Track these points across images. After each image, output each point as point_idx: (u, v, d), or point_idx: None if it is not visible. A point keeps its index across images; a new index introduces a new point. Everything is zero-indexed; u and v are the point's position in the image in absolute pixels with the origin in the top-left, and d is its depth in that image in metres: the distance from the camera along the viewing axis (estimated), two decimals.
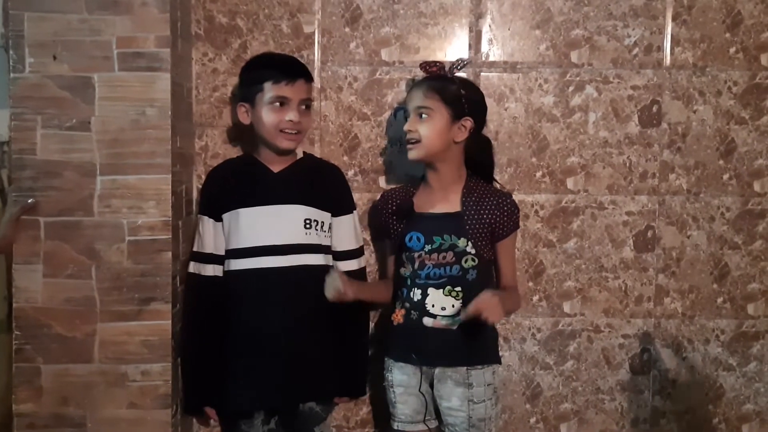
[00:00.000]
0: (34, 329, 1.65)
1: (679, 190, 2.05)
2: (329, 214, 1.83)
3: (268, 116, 1.74)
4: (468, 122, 1.71)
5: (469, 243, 1.71)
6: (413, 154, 1.72)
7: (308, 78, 1.80)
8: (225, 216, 1.80)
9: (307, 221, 1.78)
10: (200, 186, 1.92)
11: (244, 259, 1.77)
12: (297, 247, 1.77)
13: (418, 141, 1.70)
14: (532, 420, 2.07)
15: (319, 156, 1.97)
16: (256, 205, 1.78)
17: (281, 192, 1.79)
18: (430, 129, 1.69)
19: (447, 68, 1.76)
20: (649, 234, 2.05)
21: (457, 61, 1.77)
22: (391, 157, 2.00)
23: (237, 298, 1.78)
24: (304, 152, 1.88)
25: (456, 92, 1.70)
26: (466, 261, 1.72)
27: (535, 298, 2.04)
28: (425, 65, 1.76)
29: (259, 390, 1.75)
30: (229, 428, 1.89)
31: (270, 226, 1.77)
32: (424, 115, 1.70)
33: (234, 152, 1.97)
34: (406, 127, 1.72)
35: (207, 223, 1.81)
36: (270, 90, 1.73)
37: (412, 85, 1.81)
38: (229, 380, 1.77)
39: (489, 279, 1.78)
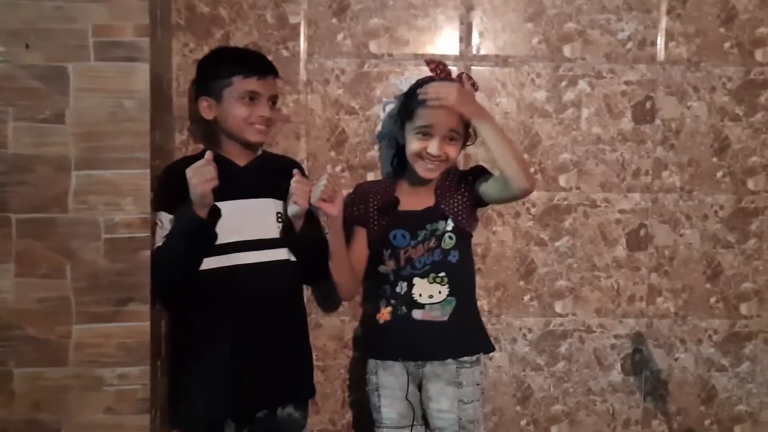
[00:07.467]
0: (6, 331, 1.60)
1: (672, 187, 2.02)
2: None
3: (238, 110, 1.71)
4: (468, 141, 1.77)
5: (449, 220, 1.73)
6: (434, 173, 1.71)
7: (276, 74, 1.79)
8: None
9: (279, 215, 1.74)
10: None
11: (214, 258, 1.67)
12: (270, 242, 1.71)
13: (444, 161, 1.70)
14: (523, 422, 2.04)
15: (305, 152, 1.93)
16: (225, 200, 1.67)
17: (250, 186, 1.73)
18: (456, 151, 1.73)
19: (466, 80, 1.71)
20: (642, 232, 2.02)
21: (471, 80, 1.73)
22: (380, 153, 1.96)
23: (207, 299, 1.68)
24: (263, 150, 1.82)
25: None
26: (444, 241, 1.72)
27: (527, 297, 2.01)
28: (437, 68, 1.70)
29: (230, 396, 1.67)
30: None
31: (241, 221, 1.69)
32: (453, 139, 1.70)
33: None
34: (434, 151, 1.67)
35: (166, 220, 1.68)
36: (240, 84, 1.70)
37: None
38: (196, 389, 1.68)
39: (470, 259, 1.81)
